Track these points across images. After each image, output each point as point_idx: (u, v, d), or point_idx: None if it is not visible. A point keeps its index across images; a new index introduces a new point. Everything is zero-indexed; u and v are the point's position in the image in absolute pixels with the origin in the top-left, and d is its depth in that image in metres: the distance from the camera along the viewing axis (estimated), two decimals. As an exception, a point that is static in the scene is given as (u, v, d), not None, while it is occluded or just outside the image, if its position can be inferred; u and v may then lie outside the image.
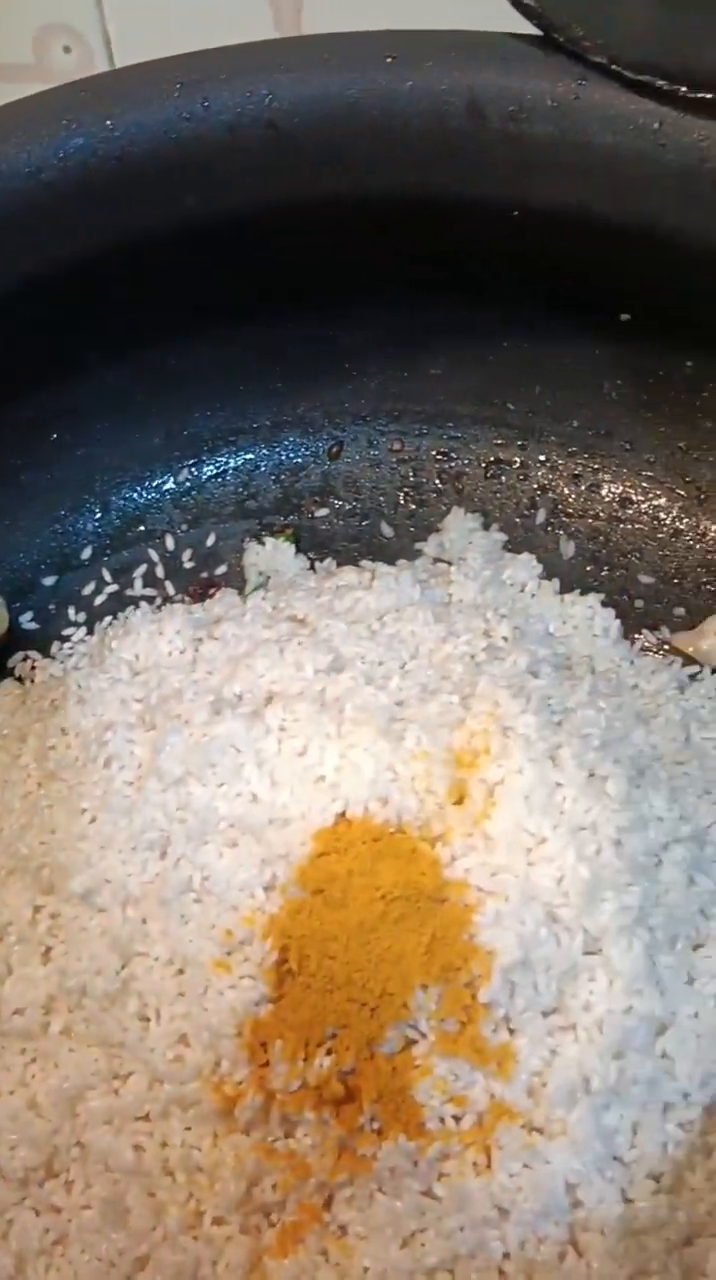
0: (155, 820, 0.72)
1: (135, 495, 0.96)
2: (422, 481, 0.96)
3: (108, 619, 0.89)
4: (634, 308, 0.86)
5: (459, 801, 0.70)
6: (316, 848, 0.69)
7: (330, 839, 0.69)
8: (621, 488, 0.94)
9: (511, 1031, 0.67)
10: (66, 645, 0.90)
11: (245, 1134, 0.67)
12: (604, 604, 0.88)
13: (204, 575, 0.94)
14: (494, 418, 0.95)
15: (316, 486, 0.97)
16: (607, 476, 0.94)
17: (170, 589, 0.93)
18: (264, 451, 0.97)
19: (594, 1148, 0.66)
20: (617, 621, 0.87)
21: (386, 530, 0.95)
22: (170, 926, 0.70)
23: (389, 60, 0.74)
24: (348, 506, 0.96)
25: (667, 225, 0.75)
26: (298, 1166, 0.67)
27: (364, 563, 0.89)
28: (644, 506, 0.93)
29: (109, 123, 0.74)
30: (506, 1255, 0.65)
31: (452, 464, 0.96)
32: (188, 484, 0.96)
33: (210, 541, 0.95)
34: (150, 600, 0.92)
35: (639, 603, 0.91)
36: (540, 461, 0.95)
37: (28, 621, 0.92)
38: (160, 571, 0.94)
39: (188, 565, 0.95)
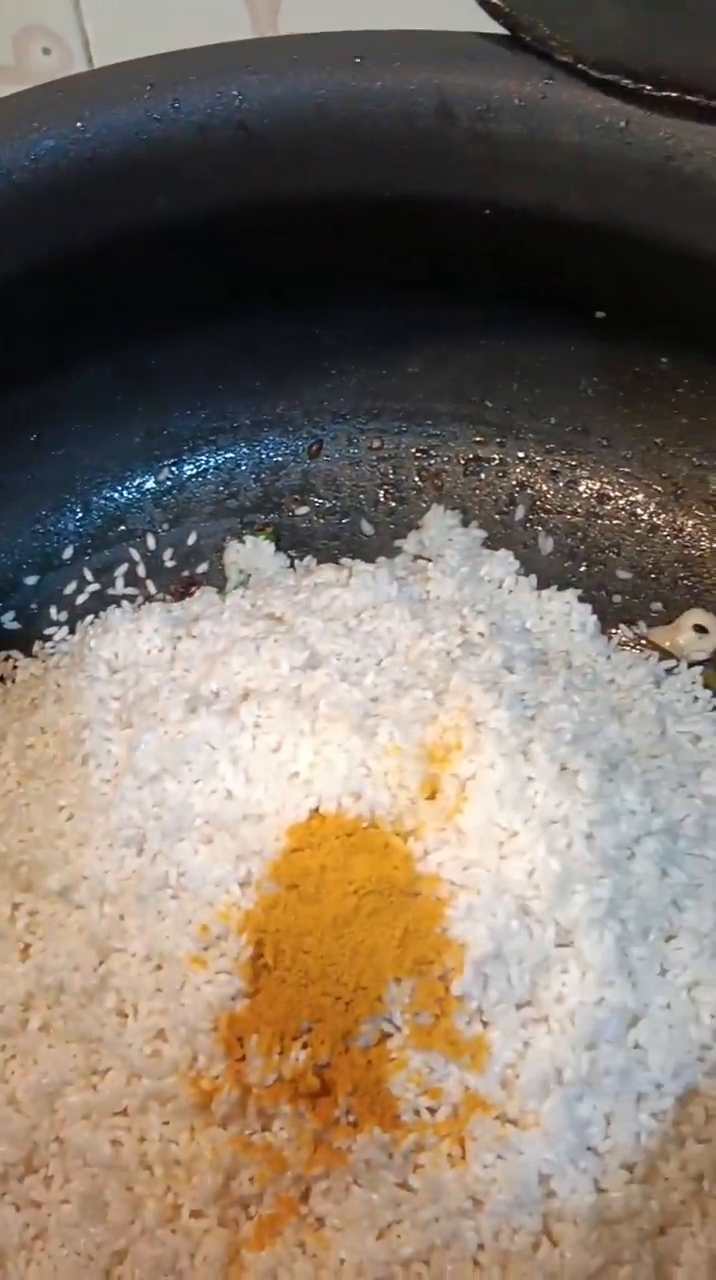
0: (132, 817, 0.72)
1: (116, 494, 0.96)
2: (402, 479, 0.97)
3: (89, 618, 0.89)
4: (608, 305, 0.87)
5: (431, 796, 0.71)
6: (290, 843, 0.69)
7: (304, 834, 0.69)
8: (599, 484, 0.94)
9: (484, 1024, 0.67)
10: (48, 645, 0.91)
11: (222, 1128, 0.68)
12: (581, 599, 0.88)
13: (185, 574, 0.95)
14: (472, 415, 0.96)
15: (297, 485, 0.97)
16: (585, 473, 0.94)
17: (152, 588, 0.94)
18: (244, 450, 0.97)
19: (567, 1138, 0.66)
20: (594, 617, 0.87)
21: (366, 528, 0.96)
22: (147, 922, 0.70)
23: (357, 61, 0.74)
24: (328, 504, 0.97)
25: (635, 223, 0.75)
26: (274, 1159, 0.67)
27: (344, 560, 0.89)
28: (621, 502, 0.94)
29: (79, 124, 0.74)
30: (481, 1246, 0.66)
31: (432, 461, 0.97)
32: (168, 483, 0.97)
33: (191, 540, 0.96)
34: (132, 599, 0.92)
35: (616, 598, 0.92)
36: (518, 458, 0.95)
37: (9, 621, 0.92)
38: (142, 570, 0.95)
39: (169, 564, 0.95)
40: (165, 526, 0.96)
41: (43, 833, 0.75)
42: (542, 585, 0.89)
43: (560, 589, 0.89)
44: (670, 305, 0.82)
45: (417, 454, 0.97)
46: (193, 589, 0.92)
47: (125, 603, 0.90)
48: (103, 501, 0.96)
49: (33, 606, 0.93)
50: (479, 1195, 0.66)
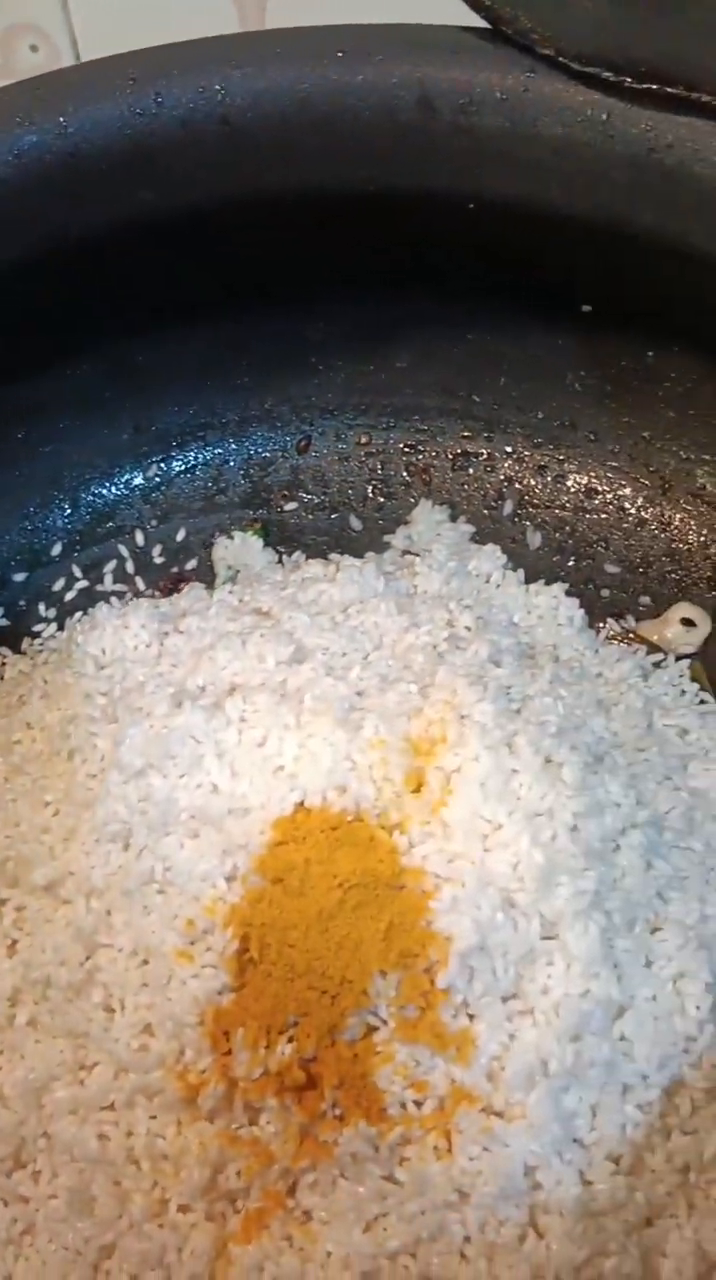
0: (117, 812, 0.72)
1: (104, 491, 0.96)
2: (390, 474, 0.97)
3: (78, 614, 0.89)
4: (594, 299, 0.87)
5: (416, 789, 0.71)
6: (275, 837, 0.69)
7: (289, 828, 0.69)
8: (586, 478, 0.94)
9: (470, 1016, 0.67)
10: (37, 641, 0.91)
11: (209, 1122, 0.68)
12: (569, 593, 0.88)
13: (174, 570, 0.95)
14: (460, 410, 0.96)
15: (285, 480, 0.97)
16: (573, 467, 0.95)
17: (140, 584, 0.94)
18: (232, 446, 0.97)
19: (552, 1130, 0.66)
20: (582, 611, 0.87)
21: (355, 523, 0.96)
22: (133, 917, 0.70)
23: (340, 55, 0.74)
24: (316, 500, 0.97)
25: (618, 216, 0.75)
26: (261, 1153, 0.67)
27: (332, 556, 0.89)
28: (609, 496, 0.94)
29: (62, 119, 0.74)
30: (467, 1238, 0.66)
31: (420, 457, 0.97)
32: (157, 479, 0.97)
33: (180, 536, 0.96)
34: (120, 596, 0.92)
35: (605, 592, 0.92)
36: (506, 453, 0.96)
37: (-2, 618, 0.93)
38: (130, 567, 0.95)
39: (158, 560, 0.95)
40: (154, 523, 0.96)
41: (29, 828, 0.75)
42: (530, 579, 0.89)
43: (548, 583, 0.89)
44: (655, 298, 0.82)
45: (406, 449, 0.97)
46: (181, 585, 0.92)
47: (114, 599, 0.90)
48: (91, 498, 0.96)
49: (21, 603, 0.93)
50: (465, 1188, 0.66)
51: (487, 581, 0.88)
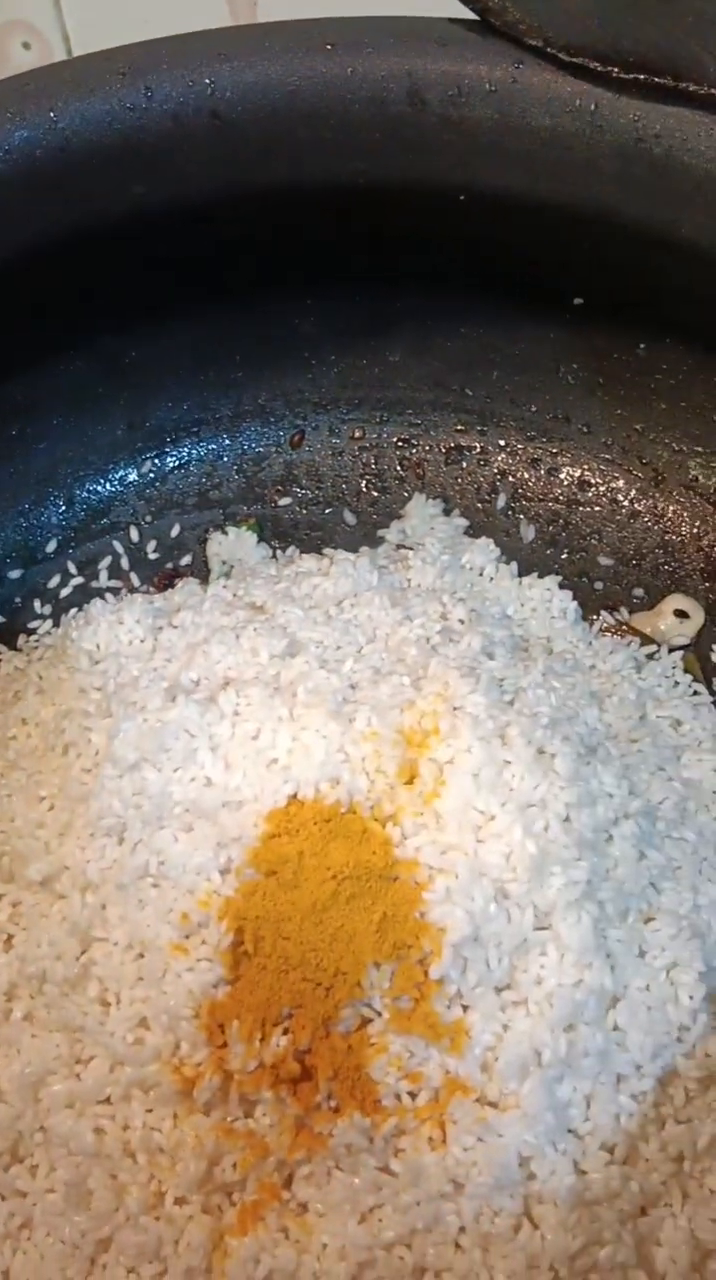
0: (112, 806, 0.72)
1: (99, 487, 0.96)
2: (384, 469, 0.97)
3: (73, 610, 0.89)
4: (586, 291, 0.87)
5: (409, 781, 0.71)
6: (269, 829, 0.70)
7: (282, 820, 0.70)
8: (579, 471, 0.94)
9: (464, 1007, 0.67)
10: (32, 638, 0.91)
11: (205, 1114, 0.68)
12: (562, 586, 0.89)
13: (168, 566, 0.95)
14: (453, 404, 0.96)
15: (279, 475, 0.97)
16: (566, 460, 0.95)
17: (135, 580, 0.94)
18: (226, 442, 0.97)
19: (546, 1120, 0.66)
20: (575, 603, 0.88)
21: (349, 518, 0.96)
22: (128, 911, 0.70)
23: (329, 47, 0.75)
24: (310, 495, 0.97)
25: (607, 206, 0.75)
26: (257, 1145, 0.68)
27: (326, 550, 0.89)
28: (602, 489, 0.94)
29: (52, 114, 0.74)
30: (462, 1229, 0.66)
31: (413, 451, 0.97)
32: (151, 475, 0.97)
33: (174, 532, 0.96)
34: (115, 592, 0.92)
35: (598, 584, 0.92)
36: (499, 446, 0.96)
37: (-7, 615, 0.93)
38: (125, 563, 0.95)
39: (152, 556, 0.95)
40: (148, 519, 0.96)
41: (24, 823, 0.75)
42: (524, 572, 0.89)
43: (541, 576, 0.89)
44: (646, 290, 0.82)
45: (399, 443, 0.97)
46: (176, 580, 0.92)
47: (108, 595, 0.90)
48: (86, 494, 0.96)
49: (16, 600, 0.93)
50: (459, 1178, 0.66)
51: (481, 574, 0.88)
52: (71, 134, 0.74)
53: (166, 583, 0.93)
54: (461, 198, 0.79)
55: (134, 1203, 0.68)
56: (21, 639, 0.91)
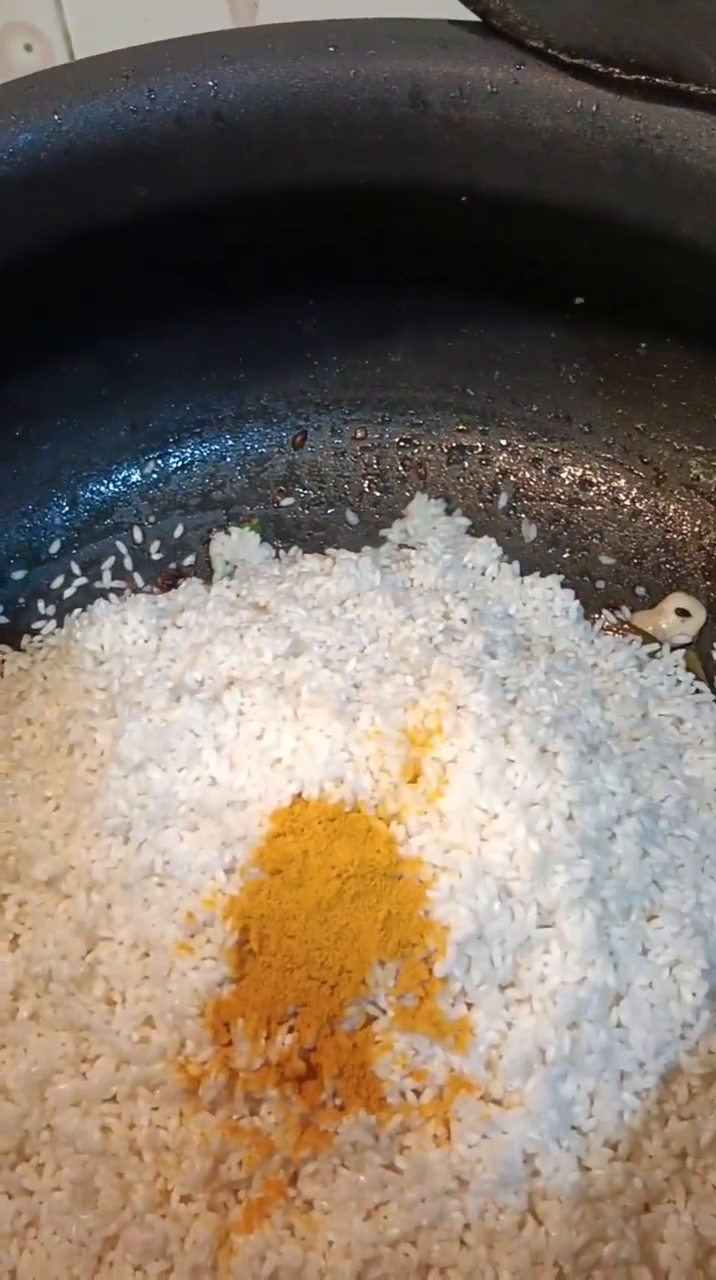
0: (117, 806, 0.73)
1: (102, 488, 0.97)
2: (386, 469, 0.97)
3: (77, 611, 0.90)
4: (587, 291, 0.87)
5: (413, 780, 0.71)
6: (274, 829, 0.70)
7: (287, 820, 0.70)
8: (581, 470, 0.95)
9: (468, 1005, 0.68)
10: (36, 639, 0.91)
11: (210, 1113, 0.68)
12: (564, 585, 0.89)
13: (172, 566, 0.95)
14: (455, 404, 0.96)
15: (282, 476, 0.98)
16: (567, 459, 0.95)
17: (139, 580, 0.94)
18: (229, 442, 0.98)
19: (550, 1117, 0.66)
20: (577, 602, 0.88)
21: (351, 518, 0.96)
22: (134, 911, 0.71)
23: (331, 50, 0.75)
24: (313, 495, 0.97)
25: (609, 207, 0.76)
26: (262, 1143, 0.68)
27: (329, 550, 0.90)
28: (603, 488, 0.94)
29: (56, 117, 0.74)
30: (467, 1225, 0.66)
31: (415, 451, 0.97)
32: (154, 476, 0.97)
33: (178, 532, 0.96)
34: (119, 592, 0.92)
35: (600, 583, 0.93)
36: (501, 446, 0.96)
37: (-3, 616, 0.93)
38: (128, 563, 0.95)
39: (156, 556, 0.96)
40: (151, 519, 0.96)
41: (29, 823, 0.75)
42: (526, 572, 0.90)
43: (543, 575, 0.89)
44: (646, 290, 0.82)
45: (401, 443, 0.97)
46: (179, 581, 0.92)
47: (112, 595, 0.90)
48: (89, 495, 0.96)
49: (20, 601, 0.94)
50: (464, 1175, 0.66)
51: (483, 574, 0.89)
52: (75, 136, 0.75)
53: (170, 583, 0.93)
54: (463, 199, 0.79)
55: (140, 1201, 0.68)
56: (25, 639, 0.91)
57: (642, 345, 0.89)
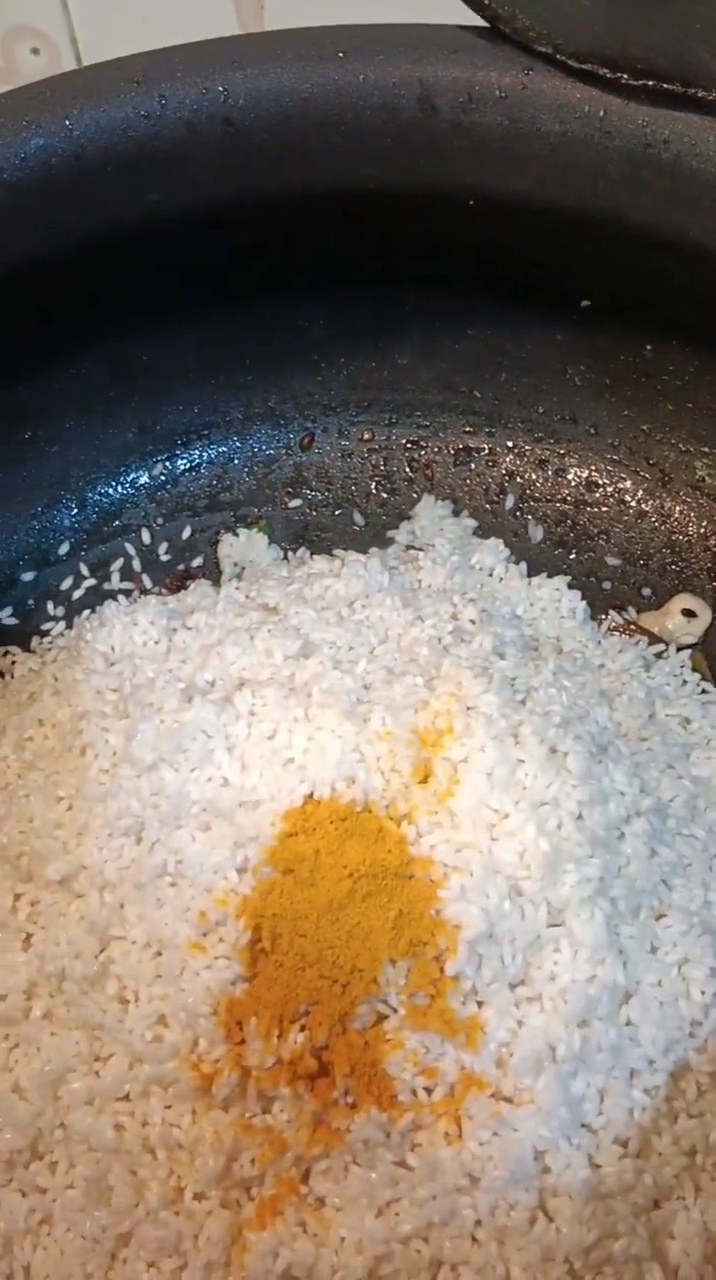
0: (130, 806, 0.73)
1: (111, 490, 0.97)
2: (393, 470, 0.98)
3: (86, 612, 0.90)
4: (593, 294, 0.88)
5: (423, 780, 0.72)
6: (285, 828, 0.70)
7: (299, 819, 0.70)
8: (587, 472, 0.95)
9: (479, 1003, 0.68)
10: (46, 640, 0.91)
11: (223, 1111, 0.69)
12: (571, 586, 0.89)
13: (180, 568, 0.96)
14: (462, 406, 0.97)
15: (289, 477, 0.98)
16: (573, 461, 0.95)
17: (147, 582, 0.95)
18: (237, 444, 0.98)
19: (561, 1115, 0.67)
20: (584, 603, 0.89)
21: (358, 519, 0.97)
22: (146, 910, 0.71)
23: (341, 55, 0.75)
24: (320, 496, 0.98)
25: (616, 211, 0.76)
26: (274, 1141, 0.68)
27: (336, 551, 0.90)
28: (609, 490, 0.95)
29: (68, 122, 0.75)
30: (478, 1222, 0.67)
31: (422, 452, 0.98)
32: (162, 478, 0.98)
33: (186, 534, 0.97)
34: (128, 594, 0.93)
35: (606, 584, 0.93)
36: (507, 448, 0.97)
37: (7, 617, 0.93)
38: (137, 565, 0.96)
39: (164, 558, 0.96)
40: (160, 521, 0.97)
41: (42, 823, 0.76)
42: (533, 573, 0.90)
43: (550, 576, 0.90)
44: (653, 293, 0.83)
45: (408, 445, 0.98)
46: (188, 582, 0.93)
47: (121, 597, 0.90)
48: (98, 497, 0.97)
49: (30, 602, 0.94)
50: (475, 1172, 0.67)
51: (490, 575, 0.89)
52: (86, 142, 0.75)
53: (178, 584, 0.94)
54: (471, 202, 0.80)
55: (153, 1198, 0.68)
56: (35, 640, 0.91)
57: (648, 347, 0.89)
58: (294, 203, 0.81)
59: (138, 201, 0.79)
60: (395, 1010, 0.68)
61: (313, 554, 0.93)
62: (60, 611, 0.93)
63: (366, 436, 0.98)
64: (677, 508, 0.93)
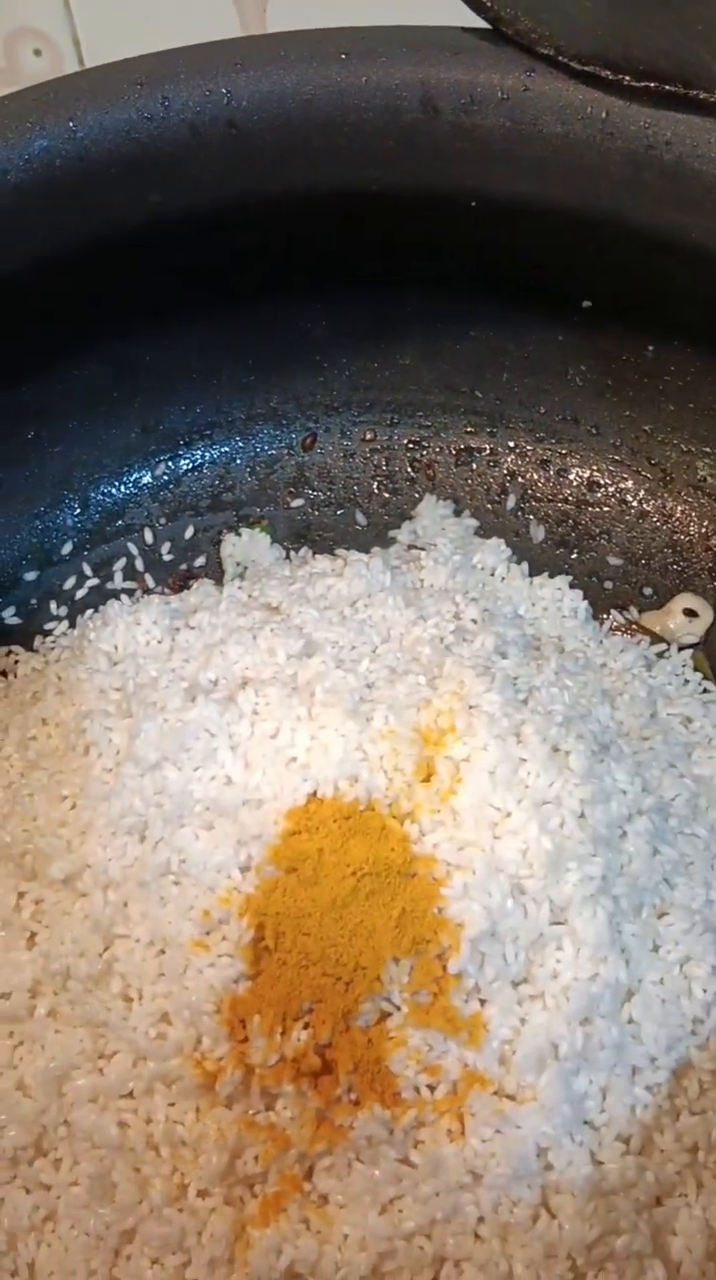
0: (133, 805, 0.73)
1: (114, 490, 0.97)
2: (395, 470, 0.98)
3: (89, 612, 0.90)
4: (595, 295, 0.88)
5: (426, 779, 0.72)
6: (289, 827, 0.70)
7: (302, 818, 0.71)
8: (588, 472, 0.96)
9: (481, 1001, 0.68)
10: (49, 639, 0.92)
11: (227, 1108, 0.69)
12: (572, 586, 0.90)
13: (183, 567, 0.96)
14: (463, 406, 0.97)
15: (291, 477, 0.98)
16: (575, 461, 0.96)
17: (150, 581, 0.95)
18: (239, 444, 0.98)
19: (563, 1112, 0.67)
20: (586, 602, 0.89)
21: (361, 519, 0.97)
22: (150, 908, 0.71)
23: (343, 57, 0.76)
24: (322, 496, 0.98)
25: (618, 212, 0.76)
26: (278, 1138, 0.68)
27: (339, 551, 0.90)
28: (611, 490, 0.95)
29: (71, 124, 0.75)
30: (481, 1219, 0.67)
31: (424, 452, 0.98)
32: (165, 478, 0.98)
33: (188, 534, 0.97)
34: (130, 593, 0.93)
35: (608, 584, 0.93)
36: (509, 448, 0.97)
37: (10, 616, 0.94)
38: (140, 564, 0.96)
39: (167, 558, 0.96)
40: (162, 521, 0.97)
41: (46, 822, 0.76)
42: (534, 572, 0.91)
43: (551, 576, 0.90)
44: (654, 293, 0.83)
45: (410, 445, 0.98)
46: (190, 582, 0.93)
47: (124, 596, 0.91)
48: (100, 497, 0.97)
49: (33, 602, 0.94)
50: (478, 1169, 0.67)
51: (492, 575, 0.90)
52: (90, 143, 0.75)
53: (181, 584, 0.94)
54: (473, 204, 0.80)
55: (157, 1195, 0.69)
56: (38, 640, 0.92)
57: (650, 348, 0.90)
58: (296, 204, 0.81)
59: (141, 203, 0.79)
60: (398, 1008, 0.68)
61: (315, 553, 0.93)
62: (63, 611, 0.94)
63: (368, 436, 0.98)
64: (679, 507, 0.93)
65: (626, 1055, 0.69)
